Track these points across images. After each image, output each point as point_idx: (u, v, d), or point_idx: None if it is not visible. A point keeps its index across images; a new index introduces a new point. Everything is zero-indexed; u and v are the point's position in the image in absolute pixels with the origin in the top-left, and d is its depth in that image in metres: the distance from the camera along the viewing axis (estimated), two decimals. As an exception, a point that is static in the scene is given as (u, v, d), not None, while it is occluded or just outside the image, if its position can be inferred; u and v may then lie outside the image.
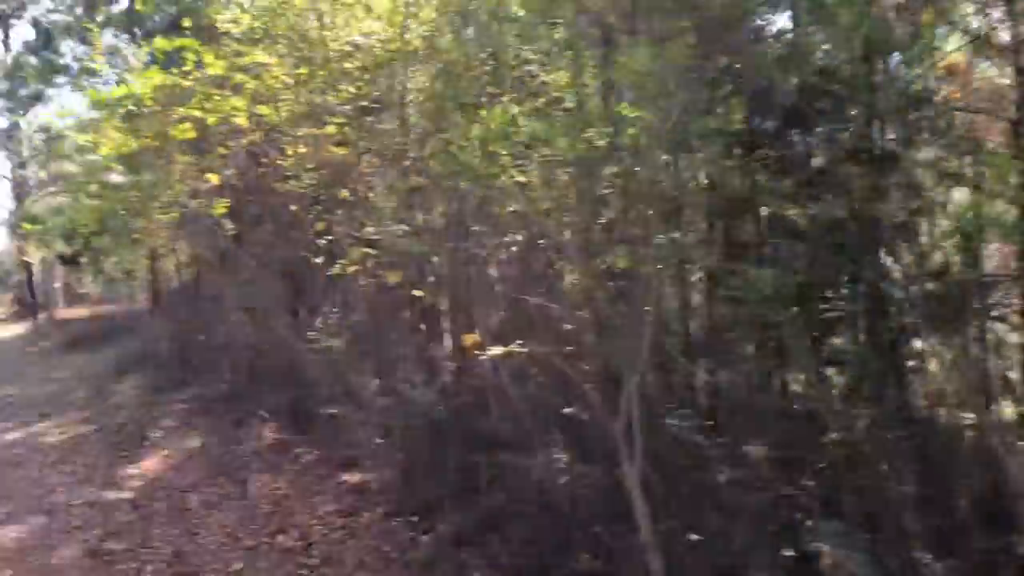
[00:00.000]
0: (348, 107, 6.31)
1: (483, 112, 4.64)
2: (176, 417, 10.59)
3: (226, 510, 7.26)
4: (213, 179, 6.62)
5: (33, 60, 24.08)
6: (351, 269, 6.41)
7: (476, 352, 4.57)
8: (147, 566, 6.25)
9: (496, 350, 4.37)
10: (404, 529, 6.45)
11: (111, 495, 7.93)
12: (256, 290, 8.42)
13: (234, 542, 6.58)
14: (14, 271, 32.08)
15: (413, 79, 6.70)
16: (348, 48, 6.68)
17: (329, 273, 6.65)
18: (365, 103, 6.30)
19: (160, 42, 8.71)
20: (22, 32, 31.61)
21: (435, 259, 4.81)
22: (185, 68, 6.39)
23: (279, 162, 6.64)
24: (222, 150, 6.74)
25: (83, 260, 22.09)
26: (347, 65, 6.48)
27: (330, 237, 6.89)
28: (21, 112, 28.48)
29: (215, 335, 12.43)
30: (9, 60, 26.70)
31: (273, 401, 9.94)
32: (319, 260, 6.62)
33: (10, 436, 10.45)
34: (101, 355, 15.64)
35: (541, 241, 4.84)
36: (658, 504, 4.57)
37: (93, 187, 7.10)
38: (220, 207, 6.55)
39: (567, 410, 4.74)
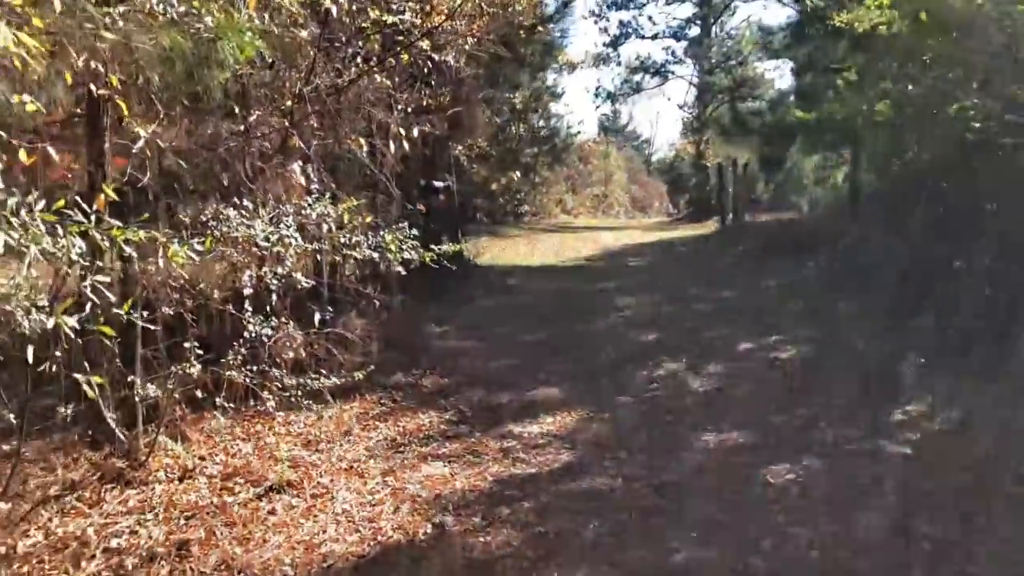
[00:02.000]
0: None
1: None
2: (923, 354, 8.88)
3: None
4: None
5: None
6: None
7: None
8: (992, 580, 4.64)
9: None
10: None
11: (888, 446, 6.60)
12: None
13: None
14: (690, 174, 34.34)
15: None
16: None
17: None
18: None
19: None
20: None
21: None
22: None
23: None
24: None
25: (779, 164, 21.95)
26: None
27: None
28: (711, 20, 29.66)
29: (961, 256, 10.32)
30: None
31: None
32: None
33: (743, 346, 10.05)
34: (798, 265, 14.81)
35: None
36: None
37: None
38: None
39: None
